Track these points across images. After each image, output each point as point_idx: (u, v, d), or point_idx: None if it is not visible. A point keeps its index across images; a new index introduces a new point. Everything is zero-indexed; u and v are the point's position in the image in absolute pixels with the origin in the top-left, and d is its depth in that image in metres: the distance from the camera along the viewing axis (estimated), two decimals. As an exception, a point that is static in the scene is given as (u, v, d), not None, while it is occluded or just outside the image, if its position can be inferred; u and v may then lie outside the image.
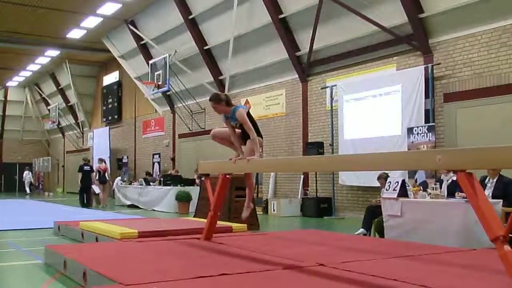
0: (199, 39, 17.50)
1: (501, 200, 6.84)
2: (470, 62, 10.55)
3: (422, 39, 11.25)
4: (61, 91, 31.06)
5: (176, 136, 21.37)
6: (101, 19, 20.06)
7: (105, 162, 19.58)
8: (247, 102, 16.41)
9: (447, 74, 10.97)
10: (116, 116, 26.42)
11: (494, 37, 10.13)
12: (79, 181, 17.80)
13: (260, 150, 5.76)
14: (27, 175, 32.52)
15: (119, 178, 21.17)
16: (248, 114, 5.76)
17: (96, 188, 18.23)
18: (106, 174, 18.81)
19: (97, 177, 18.40)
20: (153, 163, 22.80)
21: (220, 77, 17.52)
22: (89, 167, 18.27)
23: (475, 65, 10.47)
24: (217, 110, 5.81)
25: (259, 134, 5.77)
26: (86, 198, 17.79)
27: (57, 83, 31.13)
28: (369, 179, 10.94)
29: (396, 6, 11.43)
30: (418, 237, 6.83)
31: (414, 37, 11.45)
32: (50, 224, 9.96)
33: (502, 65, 9.98)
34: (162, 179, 16.77)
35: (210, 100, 5.79)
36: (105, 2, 18.24)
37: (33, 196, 28.76)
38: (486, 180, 7.51)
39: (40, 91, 34.16)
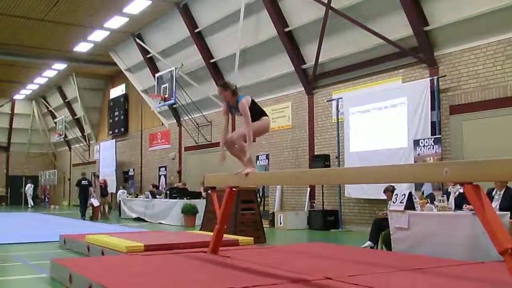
0: (205, 52, 17.60)
1: (509, 213, 6.80)
2: (475, 74, 10.56)
3: (427, 51, 11.27)
4: (68, 104, 31.26)
5: (183, 149, 21.40)
6: (108, 32, 20.22)
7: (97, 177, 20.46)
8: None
9: (452, 86, 10.97)
10: (122, 129, 26.52)
11: (499, 49, 10.14)
12: (78, 195, 18.14)
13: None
14: (29, 188, 32.60)
15: (122, 190, 21.18)
16: (253, 102, 5.85)
17: (94, 201, 18.30)
18: (106, 188, 19.33)
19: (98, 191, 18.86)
20: (160, 176, 22.82)
21: (226, 90, 17.54)
22: (86, 181, 18.48)
23: (480, 77, 10.47)
24: (222, 96, 5.95)
25: (264, 114, 5.91)
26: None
27: (63, 96, 31.34)
28: (375, 191, 10.89)
29: (401, 19, 11.46)
30: (425, 250, 6.79)
31: (419, 50, 11.48)
32: (55, 237, 9.94)
33: (508, 77, 9.98)
34: (168, 192, 16.77)
35: (218, 85, 6.01)
36: (112, 16, 18.39)
37: (38, 209, 28.77)
38: (493, 192, 7.48)
39: (47, 104, 34.37)
